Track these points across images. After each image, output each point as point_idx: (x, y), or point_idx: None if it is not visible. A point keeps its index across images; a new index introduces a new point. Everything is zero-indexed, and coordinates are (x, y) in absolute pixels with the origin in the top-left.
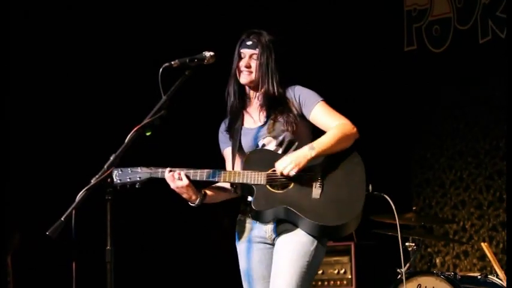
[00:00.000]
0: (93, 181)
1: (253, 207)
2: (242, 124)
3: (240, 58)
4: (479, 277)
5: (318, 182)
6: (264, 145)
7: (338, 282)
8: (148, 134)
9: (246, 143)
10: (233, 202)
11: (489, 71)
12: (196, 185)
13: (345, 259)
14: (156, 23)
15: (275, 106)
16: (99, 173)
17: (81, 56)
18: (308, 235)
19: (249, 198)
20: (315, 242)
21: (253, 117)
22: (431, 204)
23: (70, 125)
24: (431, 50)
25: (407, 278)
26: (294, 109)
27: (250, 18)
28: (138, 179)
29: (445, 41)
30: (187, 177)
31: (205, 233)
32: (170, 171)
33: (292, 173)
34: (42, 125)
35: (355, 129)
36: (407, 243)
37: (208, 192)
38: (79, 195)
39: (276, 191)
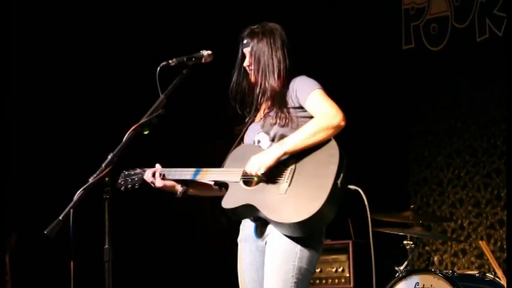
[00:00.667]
0: (91, 180)
1: (222, 205)
2: (254, 118)
3: (244, 58)
4: (477, 275)
5: (288, 175)
6: (259, 141)
7: (336, 281)
8: (146, 132)
9: (247, 136)
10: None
11: (487, 69)
12: None
13: (343, 257)
14: (154, 22)
15: (272, 100)
16: (97, 172)
17: (79, 56)
18: (288, 238)
19: None
20: (298, 245)
21: (260, 112)
22: (429, 202)
23: (68, 124)
24: (429, 49)
25: (405, 276)
26: (289, 101)
27: (250, 17)
28: (136, 179)
29: (443, 40)
30: (163, 176)
31: (203, 231)
32: (154, 172)
33: (259, 173)
34: (41, 125)
35: (338, 118)
36: (405, 242)
37: (190, 190)
38: (77, 194)
39: (247, 188)
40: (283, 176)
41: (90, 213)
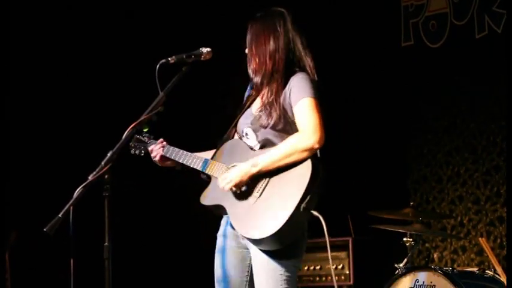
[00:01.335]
0: (90, 178)
1: (200, 200)
2: (250, 105)
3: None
4: (477, 272)
5: (259, 188)
6: (247, 134)
7: (336, 278)
8: (145, 130)
9: (239, 125)
10: None
11: (486, 66)
12: None
13: (343, 254)
14: (153, 19)
15: (270, 96)
16: (97, 170)
17: (78, 54)
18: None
19: None
20: (283, 262)
21: (259, 102)
22: (429, 199)
23: (67, 122)
24: (428, 46)
25: (405, 273)
26: (283, 99)
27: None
28: (143, 148)
29: (442, 37)
30: (163, 157)
31: (204, 229)
32: (162, 146)
33: (226, 188)
34: (40, 123)
35: (311, 140)
36: (405, 239)
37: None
38: (76, 191)
39: None
40: (256, 188)
41: (89, 210)
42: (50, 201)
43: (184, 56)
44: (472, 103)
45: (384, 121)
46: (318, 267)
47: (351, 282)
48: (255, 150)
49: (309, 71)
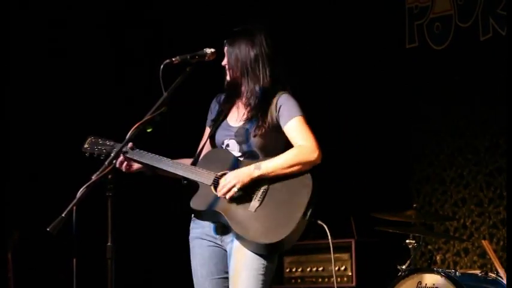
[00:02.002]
0: (93, 177)
1: (190, 205)
2: (226, 116)
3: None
4: (479, 274)
5: (260, 194)
6: (228, 145)
7: (338, 279)
8: (149, 130)
9: (217, 136)
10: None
11: (490, 68)
12: None
13: (345, 256)
14: (157, 19)
15: (255, 111)
16: (100, 170)
17: (81, 53)
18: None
19: None
20: (261, 259)
21: (236, 115)
22: (432, 201)
23: (71, 121)
24: (433, 48)
25: (407, 275)
26: (270, 118)
27: (252, 14)
28: (104, 151)
29: (446, 39)
30: (134, 161)
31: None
32: (123, 153)
33: (235, 190)
34: (42, 122)
35: (315, 154)
36: (407, 241)
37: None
38: (80, 191)
39: (217, 194)
40: (256, 193)
41: (93, 210)
42: (53, 201)
43: (188, 57)
44: (475, 104)
45: (388, 122)
46: (320, 269)
47: (354, 283)
48: (241, 161)
49: (289, 90)
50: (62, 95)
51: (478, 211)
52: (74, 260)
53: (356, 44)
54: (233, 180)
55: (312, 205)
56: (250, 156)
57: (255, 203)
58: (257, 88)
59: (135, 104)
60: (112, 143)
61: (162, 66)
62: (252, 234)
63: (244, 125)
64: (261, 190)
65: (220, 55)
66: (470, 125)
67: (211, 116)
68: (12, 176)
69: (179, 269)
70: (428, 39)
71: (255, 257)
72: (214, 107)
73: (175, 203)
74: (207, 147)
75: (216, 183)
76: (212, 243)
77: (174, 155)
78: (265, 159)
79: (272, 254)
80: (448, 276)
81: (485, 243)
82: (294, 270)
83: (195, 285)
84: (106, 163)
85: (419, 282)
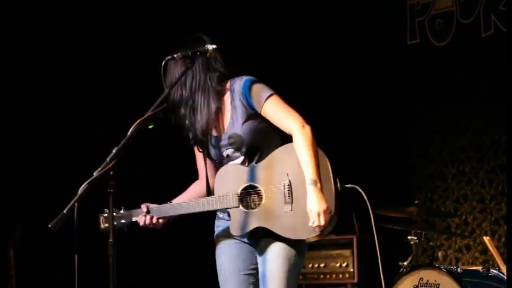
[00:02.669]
0: (95, 174)
1: (232, 233)
2: (208, 131)
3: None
4: (481, 271)
5: (286, 193)
6: (228, 156)
7: (340, 275)
8: (150, 127)
9: (212, 152)
10: None
11: (492, 65)
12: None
13: (347, 252)
14: (158, 16)
15: (227, 112)
16: (101, 166)
17: (82, 50)
18: (287, 246)
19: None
20: (294, 252)
21: (215, 125)
22: (434, 198)
23: (73, 118)
24: (434, 44)
25: (409, 272)
26: (245, 109)
27: (251, 14)
28: (123, 223)
29: (448, 35)
30: (159, 218)
31: (208, 227)
32: (146, 212)
33: (323, 222)
34: (45, 119)
35: (308, 128)
36: (409, 237)
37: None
38: (81, 188)
39: (250, 211)
40: (282, 193)
41: (94, 207)
42: (54, 198)
43: (189, 53)
44: (477, 101)
45: (389, 119)
46: (322, 265)
47: (355, 280)
48: (247, 166)
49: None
50: (68, 92)
51: (479, 207)
52: (76, 256)
53: (357, 41)
54: (317, 210)
55: (335, 175)
56: (253, 154)
57: (287, 202)
58: (210, 94)
59: (136, 100)
60: (123, 212)
61: (163, 63)
62: (302, 232)
63: (228, 129)
64: (286, 188)
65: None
66: (473, 121)
67: (190, 136)
68: (14, 173)
69: (180, 266)
70: (429, 36)
71: (290, 253)
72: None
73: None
74: (210, 166)
75: (242, 201)
76: (238, 240)
77: (175, 153)
78: (272, 156)
79: (324, 236)
80: (449, 273)
81: (486, 239)
82: None
83: (220, 281)
84: (107, 159)
85: (421, 279)
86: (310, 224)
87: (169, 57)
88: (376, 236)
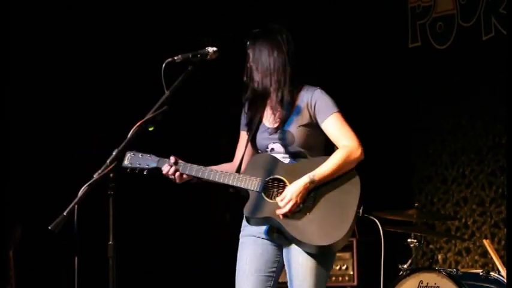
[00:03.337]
0: (95, 176)
1: (244, 212)
2: (262, 119)
3: (248, 58)
4: (481, 274)
5: (311, 198)
6: (273, 149)
7: (340, 278)
8: (151, 129)
9: (259, 140)
10: (235, 198)
11: (492, 68)
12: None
13: (347, 255)
14: (159, 18)
15: (289, 110)
16: (102, 168)
17: (82, 52)
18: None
19: None
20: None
21: (271, 116)
22: (433, 200)
23: (73, 120)
24: (435, 47)
25: (409, 275)
26: (307, 116)
27: (253, 13)
28: (146, 166)
29: (449, 38)
30: (182, 174)
31: (207, 227)
32: (174, 163)
33: (290, 210)
34: (45, 120)
35: (360, 151)
36: (409, 240)
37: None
38: (81, 190)
39: (269, 200)
40: (308, 197)
41: (94, 209)
42: (55, 199)
43: (190, 55)
44: (478, 104)
45: (390, 121)
46: None
47: (355, 283)
48: (287, 163)
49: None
50: (68, 93)
51: (479, 210)
52: (76, 258)
53: (359, 43)
54: (294, 197)
55: (362, 202)
56: (297, 156)
57: (308, 205)
58: (285, 88)
59: (137, 103)
60: (151, 156)
61: (164, 65)
62: (309, 237)
63: (283, 126)
64: (312, 192)
65: (221, 54)
66: (473, 124)
67: (244, 120)
68: (14, 173)
69: (180, 267)
70: (430, 39)
71: (314, 259)
72: (244, 113)
73: (177, 201)
74: (248, 152)
75: (265, 189)
76: (266, 240)
77: (176, 152)
78: (311, 160)
79: (329, 254)
80: (449, 276)
81: (486, 242)
82: None
83: (237, 280)
84: (108, 161)
85: (421, 282)
86: (277, 200)
87: (169, 59)
88: (383, 241)
